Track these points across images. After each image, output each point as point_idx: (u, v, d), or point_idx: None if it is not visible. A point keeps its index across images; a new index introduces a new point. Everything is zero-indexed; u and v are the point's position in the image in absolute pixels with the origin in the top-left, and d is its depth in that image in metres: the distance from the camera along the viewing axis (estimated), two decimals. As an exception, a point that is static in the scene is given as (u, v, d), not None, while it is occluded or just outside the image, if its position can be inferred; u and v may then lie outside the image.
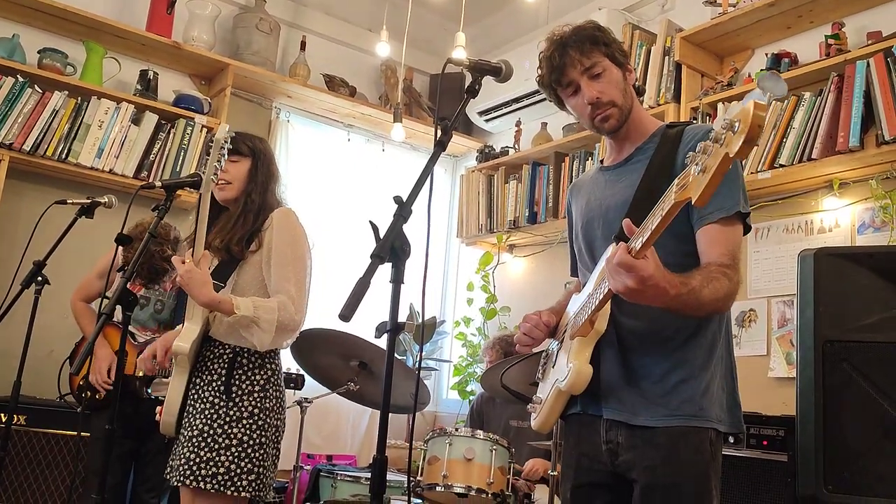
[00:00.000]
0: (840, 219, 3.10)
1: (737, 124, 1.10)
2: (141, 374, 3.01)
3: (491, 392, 3.42)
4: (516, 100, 4.54)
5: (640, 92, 1.86)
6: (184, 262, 2.17)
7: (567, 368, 1.66)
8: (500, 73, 1.66)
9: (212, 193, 2.27)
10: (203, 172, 2.23)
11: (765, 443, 2.57)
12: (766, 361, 3.21)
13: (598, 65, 1.72)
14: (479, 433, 2.83)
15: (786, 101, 3.11)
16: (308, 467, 3.78)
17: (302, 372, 3.35)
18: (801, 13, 3.22)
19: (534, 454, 3.30)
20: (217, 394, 2.23)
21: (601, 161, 1.92)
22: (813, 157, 2.91)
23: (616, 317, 1.67)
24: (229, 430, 2.18)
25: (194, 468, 2.14)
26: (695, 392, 1.62)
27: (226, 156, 2.19)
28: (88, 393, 3.05)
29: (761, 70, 3.28)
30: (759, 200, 3.30)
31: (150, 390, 3.00)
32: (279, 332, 2.20)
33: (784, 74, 3.14)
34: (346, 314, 1.30)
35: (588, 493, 1.76)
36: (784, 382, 3.11)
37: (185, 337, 2.22)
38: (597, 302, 1.57)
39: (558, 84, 1.76)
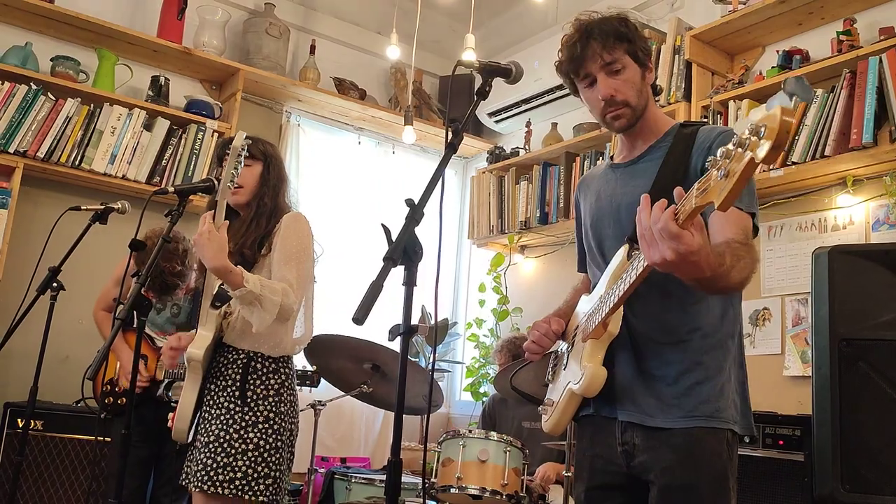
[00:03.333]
0: (854, 216, 3.08)
1: (763, 129, 1.06)
2: (162, 376, 3.03)
3: (504, 394, 3.42)
4: (526, 100, 4.54)
5: (657, 91, 1.82)
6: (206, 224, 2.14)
7: (581, 372, 1.66)
8: (511, 75, 1.66)
9: None
10: (215, 177, 2.24)
11: (780, 442, 2.56)
12: (781, 360, 3.19)
13: (619, 61, 1.69)
14: (493, 434, 2.83)
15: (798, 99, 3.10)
16: (322, 470, 3.79)
17: (315, 368, 3.33)
18: (811, 10, 3.20)
19: (547, 455, 3.29)
20: (232, 399, 2.23)
21: (611, 157, 1.90)
22: (826, 154, 2.89)
23: (629, 319, 1.66)
24: (245, 435, 2.19)
25: (212, 473, 2.15)
26: (710, 393, 1.61)
27: (242, 163, 2.20)
28: (111, 399, 3.07)
29: (773, 67, 3.27)
30: (772, 198, 3.28)
31: (170, 394, 3.02)
32: (277, 318, 2.18)
33: (795, 71, 3.12)
34: (360, 317, 1.30)
35: (602, 495, 1.75)
36: (799, 381, 3.09)
37: (198, 343, 2.22)
38: (615, 300, 1.55)
39: (575, 74, 1.74)
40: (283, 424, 2.26)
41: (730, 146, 1.12)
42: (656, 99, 1.82)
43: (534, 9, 4.62)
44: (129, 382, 2.91)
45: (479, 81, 1.66)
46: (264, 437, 2.21)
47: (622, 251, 1.62)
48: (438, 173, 1.50)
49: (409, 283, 1.41)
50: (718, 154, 1.15)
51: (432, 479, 2.82)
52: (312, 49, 4.64)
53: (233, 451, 2.17)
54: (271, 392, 2.26)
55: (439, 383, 4.64)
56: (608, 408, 1.71)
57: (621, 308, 1.61)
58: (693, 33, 3.49)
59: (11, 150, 3.58)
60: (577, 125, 4.19)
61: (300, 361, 2.62)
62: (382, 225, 1.44)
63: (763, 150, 1.05)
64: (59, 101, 3.71)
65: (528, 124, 4.62)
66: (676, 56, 3.55)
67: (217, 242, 2.12)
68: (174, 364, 2.46)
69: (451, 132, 1.57)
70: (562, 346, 1.88)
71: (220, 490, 2.13)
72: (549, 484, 3.17)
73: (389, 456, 1.38)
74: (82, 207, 2.78)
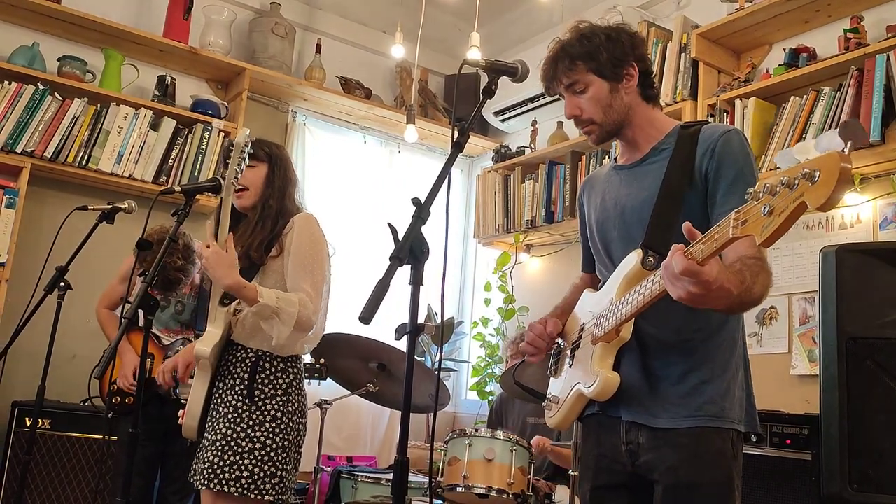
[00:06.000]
0: (862, 214, 3.06)
1: (817, 174, 1.02)
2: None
3: (510, 392, 3.42)
4: (531, 99, 4.54)
5: (651, 95, 1.81)
6: (208, 247, 2.16)
7: (593, 376, 1.65)
8: (517, 74, 1.66)
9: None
10: (221, 177, 2.24)
11: (788, 442, 2.55)
12: (788, 359, 3.18)
13: (580, 82, 1.72)
14: (499, 433, 2.83)
15: (805, 96, 3.09)
16: (329, 469, 3.80)
17: (323, 361, 3.32)
18: (818, 7, 3.19)
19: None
20: (240, 398, 2.24)
21: (615, 159, 1.91)
22: (833, 152, 2.87)
23: (635, 319, 1.66)
24: (252, 434, 2.19)
25: (218, 472, 2.15)
26: (715, 393, 1.61)
27: (246, 160, 2.19)
28: (118, 398, 3.08)
29: (780, 65, 3.26)
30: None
31: (178, 391, 3.03)
32: (296, 329, 2.19)
33: (802, 69, 3.11)
34: (366, 316, 1.30)
35: (607, 494, 1.75)
36: (806, 380, 3.09)
37: (206, 341, 2.22)
38: (634, 308, 1.53)
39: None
40: (291, 424, 2.26)
41: (774, 182, 1.10)
42: (651, 102, 1.81)
43: (539, 7, 4.61)
44: (135, 381, 2.94)
45: (484, 80, 1.66)
46: (271, 436, 2.21)
47: (635, 256, 1.61)
48: (445, 172, 1.49)
49: (416, 282, 1.41)
50: (759, 187, 1.13)
51: (438, 478, 2.82)
52: (318, 48, 4.65)
53: (239, 450, 2.17)
54: (279, 391, 2.27)
55: (445, 382, 4.64)
56: (613, 407, 1.70)
57: None
58: (699, 31, 3.48)
59: (19, 149, 3.59)
60: (582, 124, 4.18)
61: (305, 357, 2.62)
62: (389, 224, 1.44)
63: (819, 197, 1.02)
64: (65, 101, 3.73)
65: (534, 123, 4.61)
66: (682, 54, 3.54)
67: (226, 261, 2.13)
68: (169, 383, 2.47)
69: (457, 131, 1.57)
70: (563, 342, 1.88)
71: (225, 488, 2.14)
72: (544, 453, 3.16)
73: (396, 455, 1.37)
74: (89, 207, 2.79)
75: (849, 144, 0.93)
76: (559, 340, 1.89)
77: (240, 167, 2.17)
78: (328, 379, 3.41)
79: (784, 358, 3.20)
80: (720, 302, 1.35)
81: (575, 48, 1.72)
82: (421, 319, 1.42)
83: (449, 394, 3.96)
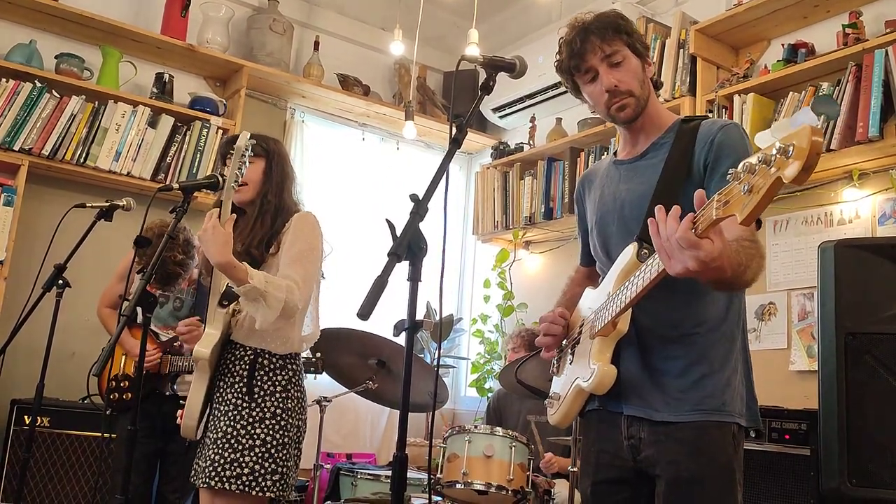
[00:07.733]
0: (860, 210, 3.06)
1: (791, 148, 1.04)
2: (167, 371, 3.04)
3: (509, 389, 3.42)
4: (530, 95, 4.54)
5: (657, 86, 1.84)
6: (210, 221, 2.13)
7: (591, 369, 1.66)
8: (515, 69, 1.65)
9: None
10: (220, 174, 2.24)
11: (787, 437, 2.56)
12: (787, 355, 3.18)
13: (619, 53, 1.71)
14: (499, 430, 2.83)
15: (803, 92, 3.09)
16: (328, 466, 3.80)
17: (319, 354, 3.32)
18: (817, 2, 3.19)
19: (552, 450, 3.30)
20: (239, 395, 2.24)
21: (614, 153, 1.90)
22: (832, 147, 2.88)
23: (634, 314, 1.66)
24: (252, 431, 2.19)
25: (219, 469, 2.15)
26: (716, 387, 1.62)
27: (247, 163, 2.19)
28: (116, 395, 3.08)
29: (778, 60, 3.25)
30: (778, 192, 3.26)
31: (175, 387, 3.03)
32: (282, 316, 2.17)
33: (801, 65, 3.11)
34: (364, 313, 1.30)
35: (608, 489, 1.75)
36: (805, 376, 3.09)
37: (205, 342, 2.22)
38: (627, 300, 1.54)
39: (577, 70, 1.75)
40: (291, 420, 2.26)
41: (753, 160, 1.10)
42: (658, 94, 1.82)
43: (537, 4, 4.61)
44: (135, 379, 2.93)
45: (483, 76, 1.66)
46: (271, 433, 2.21)
47: (631, 249, 1.61)
48: (443, 169, 1.49)
49: (414, 278, 1.41)
50: (741, 167, 1.14)
51: (438, 475, 2.83)
52: (316, 45, 4.64)
53: (240, 447, 2.17)
54: (278, 388, 2.27)
55: (444, 379, 4.64)
56: (614, 402, 1.71)
57: None
58: (698, 27, 3.48)
59: (16, 147, 3.59)
60: (581, 120, 4.18)
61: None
62: (387, 220, 1.44)
63: (792, 170, 1.04)
64: (63, 99, 3.72)
65: (533, 119, 4.61)
66: (681, 50, 3.54)
67: (221, 238, 2.11)
68: (194, 340, 2.42)
69: (455, 127, 1.57)
70: (566, 340, 1.88)
71: (226, 486, 2.14)
72: (550, 471, 3.17)
73: (395, 451, 1.38)
74: (87, 205, 2.78)
75: (822, 118, 0.95)
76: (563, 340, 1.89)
77: (240, 171, 2.17)
78: (328, 376, 3.41)
79: (783, 354, 3.20)
80: (711, 279, 1.36)
81: (611, 21, 1.72)
82: (420, 316, 1.41)
83: (447, 391, 3.96)
